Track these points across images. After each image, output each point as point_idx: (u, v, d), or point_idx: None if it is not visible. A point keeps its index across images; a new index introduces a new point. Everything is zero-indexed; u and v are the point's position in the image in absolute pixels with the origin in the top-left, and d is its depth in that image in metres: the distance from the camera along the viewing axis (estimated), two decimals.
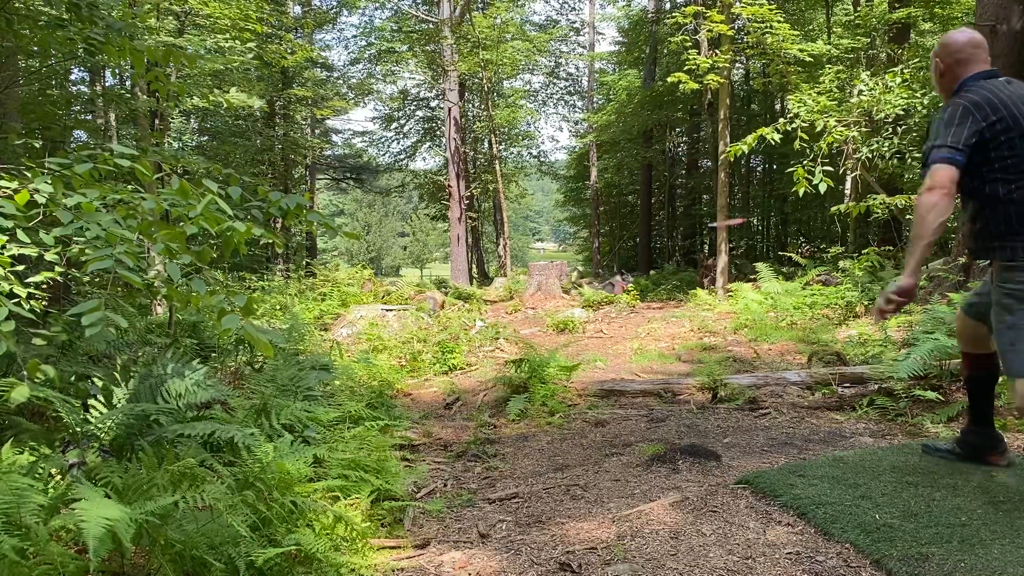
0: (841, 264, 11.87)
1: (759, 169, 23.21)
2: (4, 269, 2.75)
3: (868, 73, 11.47)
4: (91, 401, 3.87)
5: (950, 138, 3.16)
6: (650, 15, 21.66)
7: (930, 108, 10.18)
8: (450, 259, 22.39)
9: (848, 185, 13.68)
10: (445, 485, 4.61)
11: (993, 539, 3.12)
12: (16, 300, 3.09)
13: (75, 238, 2.77)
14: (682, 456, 4.68)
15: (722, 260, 14.44)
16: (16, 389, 2.58)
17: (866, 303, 10.26)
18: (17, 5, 4.82)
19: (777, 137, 9.59)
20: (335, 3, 25.52)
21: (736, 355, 8.73)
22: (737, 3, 13.23)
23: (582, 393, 6.95)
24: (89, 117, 14.29)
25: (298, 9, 23.47)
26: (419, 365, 8.65)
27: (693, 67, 13.30)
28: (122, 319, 2.51)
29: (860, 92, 10.84)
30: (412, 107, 27.89)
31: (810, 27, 19.10)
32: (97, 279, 5.99)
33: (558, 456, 5.22)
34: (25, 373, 3.68)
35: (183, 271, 2.78)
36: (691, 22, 14.36)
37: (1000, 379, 5.45)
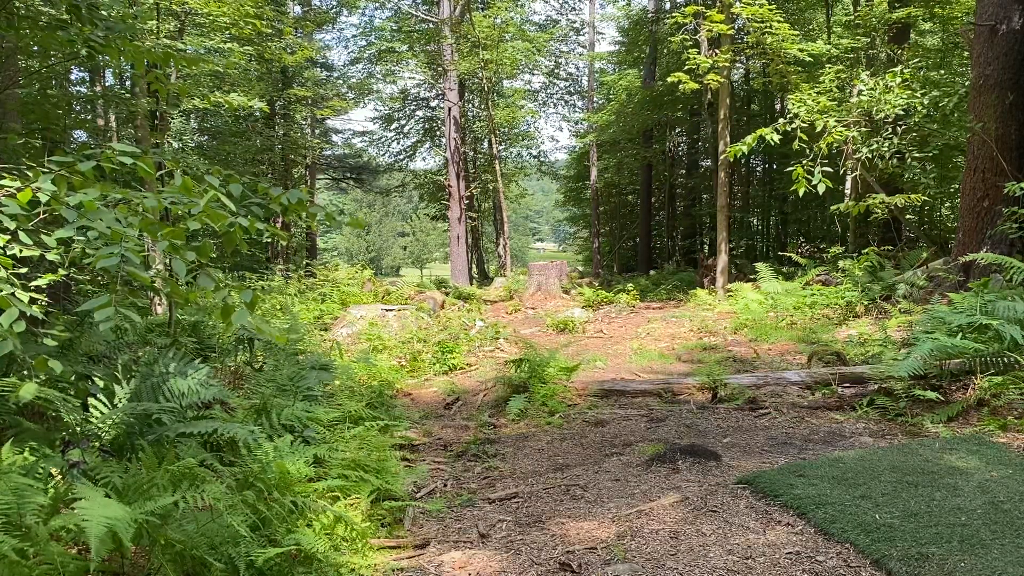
0: (841, 264, 11.86)
1: (759, 169, 23.17)
2: (6, 270, 2.75)
3: (868, 73, 11.46)
4: (91, 401, 3.87)
5: None
6: (650, 15, 21.64)
7: (930, 108, 10.18)
8: (450, 259, 22.38)
9: (848, 185, 13.67)
10: (445, 485, 4.61)
11: (993, 539, 3.13)
12: (21, 302, 3.09)
13: (76, 238, 2.77)
14: (682, 456, 4.68)
15: (722, 260, 14.44)
16: (24, 387, 2.58)
17: (866, 303, 10.27)
18: (17, 5, 4.82)
19: (776, 138, 9.58)
20: (335, 3, 25.52)
21: (736, 355, 8.74)
22: (737, 3, 13.22)
23: (582, 393, 6.95)
24: (89, 117, 14.28)
25: (298, 9, 23.46)
26: (419, 365, 8.65)
27: (693, 67, 13.29)
28: (134, 315, 2.51)
29: (860, 92, 10.84)
30: (412, 107, 27.87)
31: (810, 27, 19.08)
32: (99, 278, 5.99)
33: (558, 456, 5.23)
34: (26, 372, 3.68)
35: (187, 268, 2.78)
36: (691, 22, 14.34)
37: (999, 379, 5.46)
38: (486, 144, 25.23)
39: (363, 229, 6.63)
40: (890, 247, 12.54)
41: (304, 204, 3.20)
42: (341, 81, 25.89)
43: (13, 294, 2.63)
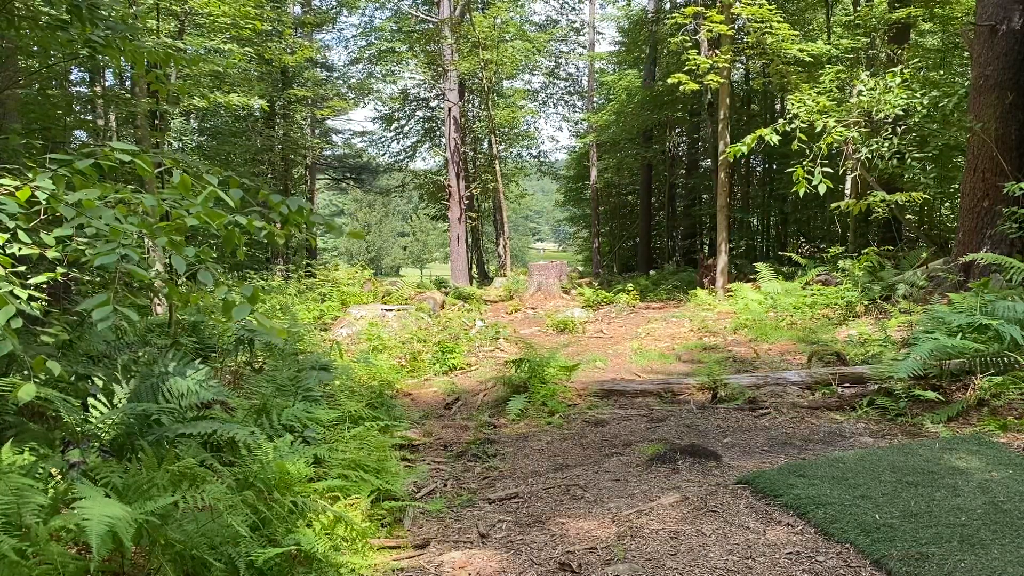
0: (841, 264, 11.85)
1: (759, 169, 23.15)
2: (5, 269, 2.75)
3: (868, 73, 11.46)
4: (91, 401, 3.87)
5: None
6: (650, 15, 21.62)
7: (930, 108, 10.18)
8: (450, 259, 22.38)
9: (848, 185, 13.67)
10: (445, 485, 4.61)
11: (993, 539, 3.13)
12: (20, 300, 3.09)
13: (76, 237, 2.77)
14: (682, 456, 4.68)
15: (722, 260, 14.45)
16: (23, 388, 2.58)
17: (866, 303, 10.27)
18: (17, 5, 4.82)
19: (776, 139, 9.58)
20: (335, 3, 25.52)
21: (736, 355, 8.74)
22: (737, 3, 13.22)
23: (582, 393, 6.95)
24: (89, 118, 14.28)
25: (298, 9, 23.46)
26: (419, 365, 8.65)
27: (693, 67, 13.28)
28: (132, 313, 2.50)
29: (860, 92, 10.83)
30: (412, 107, 27.86)
31: (810, 27, 19.07)
32: (98, 278, 5.99)
33: (558, 456, 5.23)
34: (27, 372, 3.68)
35: (186, 265, 2.77)
36: (691, 22, 14.34)
37: (999, 379, 5.46)
38: (486, 144, 25.22)
39: (363, 238, 6.57)
40: (890, 247, 12.54)
41: (304, 213, 3.16)
42: (341, 81, 25.89)
43: (12, 292, 2.62)
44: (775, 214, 21.78)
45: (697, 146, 24.54)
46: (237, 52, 13.24)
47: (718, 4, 13.58)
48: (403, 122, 28.10)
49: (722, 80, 13.61)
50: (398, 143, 28.62)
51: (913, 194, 10.94)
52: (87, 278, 6.01)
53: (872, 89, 10.41)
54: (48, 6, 5.06)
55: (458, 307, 14.32)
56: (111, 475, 3.05)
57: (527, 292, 16.23)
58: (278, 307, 11.05)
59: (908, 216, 13.40)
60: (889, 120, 10.73)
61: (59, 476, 3.23)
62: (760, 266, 13.13)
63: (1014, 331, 5.38)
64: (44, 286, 4.15)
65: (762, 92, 20.05)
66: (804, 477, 4.00)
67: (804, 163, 9.33)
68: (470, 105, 25.37)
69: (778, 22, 12.69)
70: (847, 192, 13.68)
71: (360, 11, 26.05)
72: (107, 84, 15.40)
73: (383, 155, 29.52)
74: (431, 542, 3.56)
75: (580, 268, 26.19)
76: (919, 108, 10.12)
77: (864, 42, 13.57)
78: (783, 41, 12.92)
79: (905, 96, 10.09)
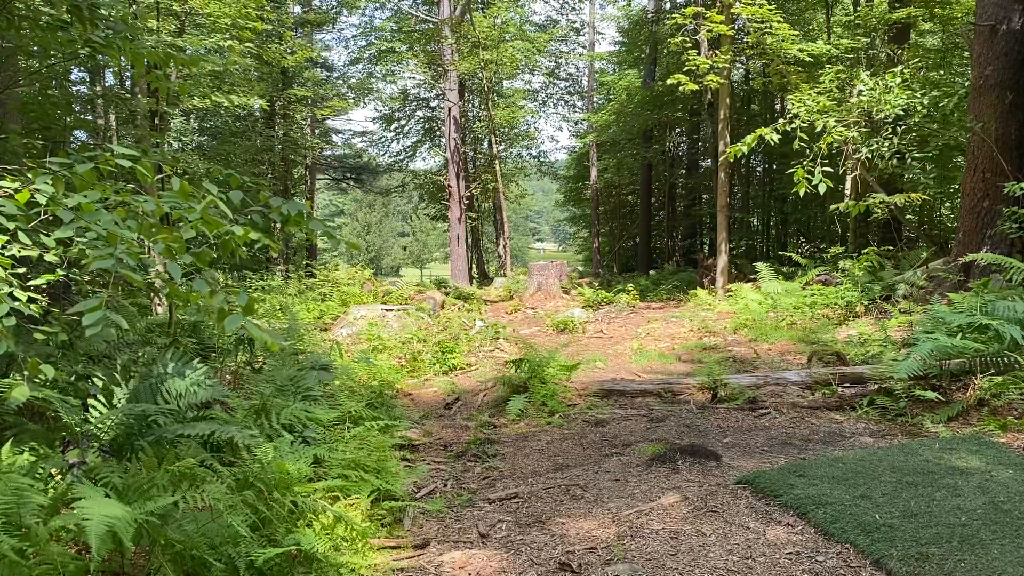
0: (841, 264, 11.85)
1: (759, 169, 23.15)
2: (4, 271, 2.75)
3: (868, 73, 11.46)
4: (91, 401, 3.87)
5: None
6: (650, 15, 21.62)
7: (930, 108, 10.18)
8: (450, 259, 22.37)
9: (848, 185, 13.67)
10: (445, 485, 4.61)
11: (993, 539, 3.13)
12: (19, 302, 3.09)
13: (76, 238, 2.77)
14: (682, 456, 4.68)
15: (722, 260, 14.44)
16: (16, 389, 2.58)
17: (866, 303, 10.26)
18: (17, 5, 4.82)
19: (776, 138, 9.57)
20: (335, 3, 25.51)
21: (736, 355, 8.73)
22: (737, 3, 13.22)
23: (582, 393, 6.95)
24: (89, 118, 14.27)
25: (298, 9, 23.46)
26: (419, 365, 8.65)
27: (693, 68, 13.29)
28: (122, 319, 2.50)
29: (860, 92, 10.83)
30: (412, 107, 27.83)
31: (810, 27, 19.08)
32: (98, 279, 5.99)
33: (558, 456, 5.23)
34: (26, 373, 3.68)
35: (184, 270, 2.77)
36: (691, 22, 14.34)
37: (999, 379, 5.46)
38: (486, 144, 25.22)
39: (360, 250, 6.56)
40: (890, 247, 12.53)
41: (303, 217, 3.16)
42: (341, 81, 25.87)
43: (11, 294, 2.62)
44: (775, 214, 21.77)
45: (697, 146, 24.53)
46: (237, 50, 13.24)
47: (718, 4, 13.58)
48: (403, 122, 28.08)
49: (722, 80, 13.61)
50: (398, 143, 28.62)
51: (913, 195, 10.94)
52: (87, 278, 6.01)
53: (872, 89, 10.40)
54: (48, 6, 5.06)
55: (458, 307, 14.31)
56: (111, 475, 3.05)
57: (527, 292, 16.22)
58: (278, 307, 11.05)
59: (908, 216, 13.40)
60: (889, 120, 10.73)
61: (59, 476, 3.23)
62: (760, 266, 13.13)
63: (1014, 331, 5.38)
64: (44, 287, 4.15)
65: (762, 92, 20.03)
66: (804, 477, 4.01)
67: (804, 163, 9.33)
68: (470, 105, 25.37)
69: (778, 22, 12.69)
70: (847, 192, 13.68)
71: (360, 11, 26.05)
72: (107, 84, 15.40)
73: (383, 155, 29.53)
74: (431, 542, 3.56)
75: (580, 268, 26.19)
76: (919, 108, 10.12)
77: (864, 42, 13.57)
78: (783, 41, 12.92)
79: (905, 96, 10.09)
